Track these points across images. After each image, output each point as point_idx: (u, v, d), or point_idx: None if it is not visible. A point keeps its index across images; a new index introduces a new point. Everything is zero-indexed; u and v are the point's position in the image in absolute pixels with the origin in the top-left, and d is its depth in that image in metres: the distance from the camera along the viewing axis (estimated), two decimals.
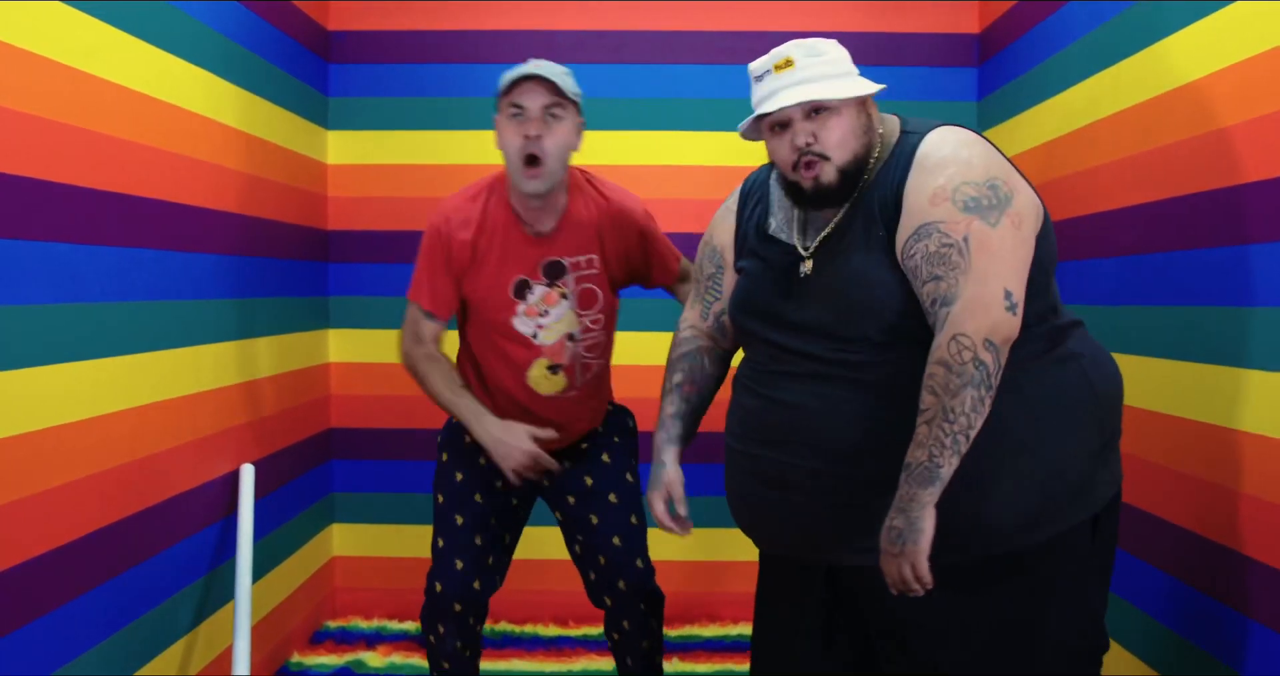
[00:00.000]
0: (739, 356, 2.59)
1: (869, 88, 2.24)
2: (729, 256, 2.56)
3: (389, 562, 4.63)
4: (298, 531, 4.17)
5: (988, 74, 4.41)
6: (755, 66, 2.30)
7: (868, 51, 4.46)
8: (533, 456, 2.88)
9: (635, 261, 3.12)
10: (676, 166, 4.52)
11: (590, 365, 3.09)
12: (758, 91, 2.29)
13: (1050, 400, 2.19)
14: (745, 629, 4.40)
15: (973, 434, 2.04)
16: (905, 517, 2.05)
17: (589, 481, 3.12)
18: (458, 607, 3.06)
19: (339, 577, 4.65)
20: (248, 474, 3.51)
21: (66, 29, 2.52)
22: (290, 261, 4.09)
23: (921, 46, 4.51)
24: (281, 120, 3.98)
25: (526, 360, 3.03)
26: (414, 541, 4.59)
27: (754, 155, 4.46)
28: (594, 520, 3.09)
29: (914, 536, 2.05)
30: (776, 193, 2.47)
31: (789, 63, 2.24)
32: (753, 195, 2.55)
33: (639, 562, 3.09)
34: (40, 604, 2.42)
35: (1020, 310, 2.10)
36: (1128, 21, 3.17)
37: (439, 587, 3.07)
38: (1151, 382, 2.98)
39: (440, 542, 3.12)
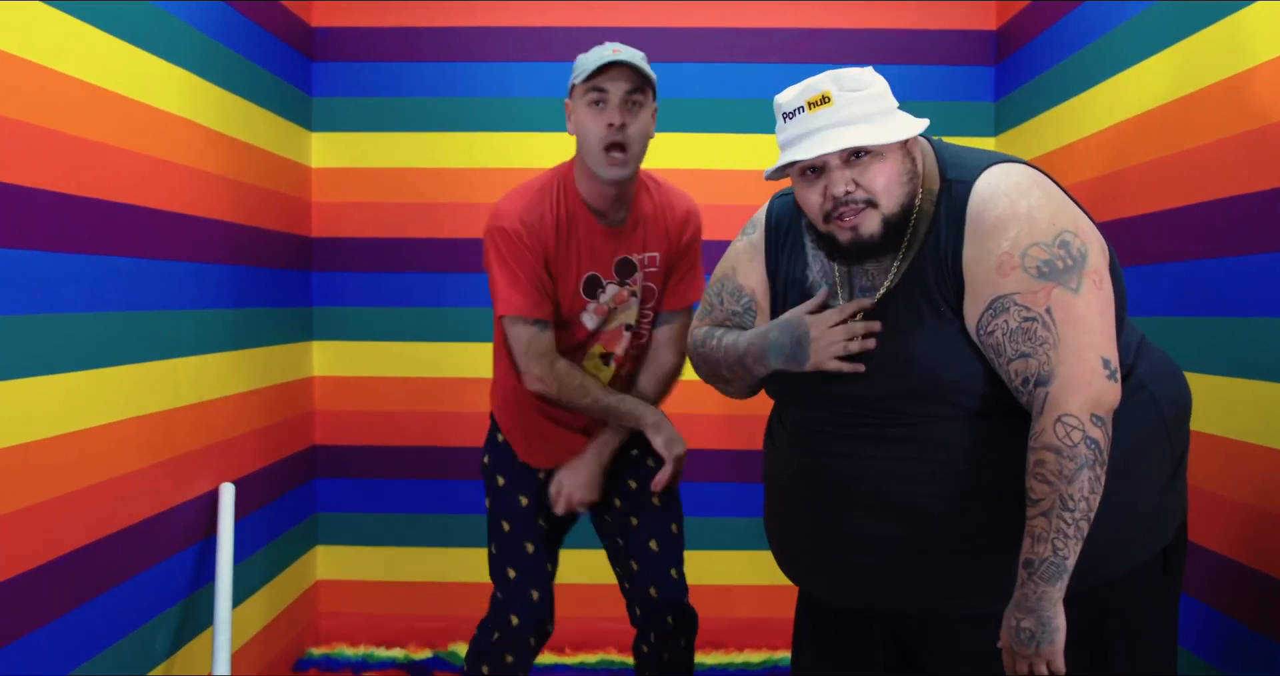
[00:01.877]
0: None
1: (915, 126, 2.11)
2: (761, 300, 2.41)
3: (376, 586, 4.61)
4: (280, 554, 4.15)
5: (1005, 73, 4.40)
6: (783, 101, 2.14)
7: (878, 49, 4.46)
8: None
9: (671, 270, 3.11)
10: (673, 171, 4.49)
11: (630, 359, 3.14)
12: (787, 130, 2.13)
13: (1120, 436, 2.08)
14: (751, 657, 4.38)
15: (1093, 515, 1.97)
16: (1036, 619, 1.98)
17: (633, 485, 3.16)
18: (533, 642, 3.10)
19: (323, 602, 4.63)
20: (227, 493, 3.49)
21: (36, 25, 2.51)
22: (272, 270, 4.08)
23: (935, 44, 4.50)
24: (263, 121, 3.97)
25: (582, 350, 3.06)
26: (402, 564, 4.58)
27: (758, 159, 4.45)
28: (634, 521, 3.14)
29: (1050, 636, 1.98)
30: (809, 239, 2.34)
31: (825, 99, 2.08)
32: (783, 236, 2.40)
33: (674, 572, 3.11)
34: (6, 631, 2.40)
35: (1119, 373, 2.03)
36: (1153, 17, 3.17)
37: (515, 621, 3.08)
38: None
39: (512, 573, 3.11)
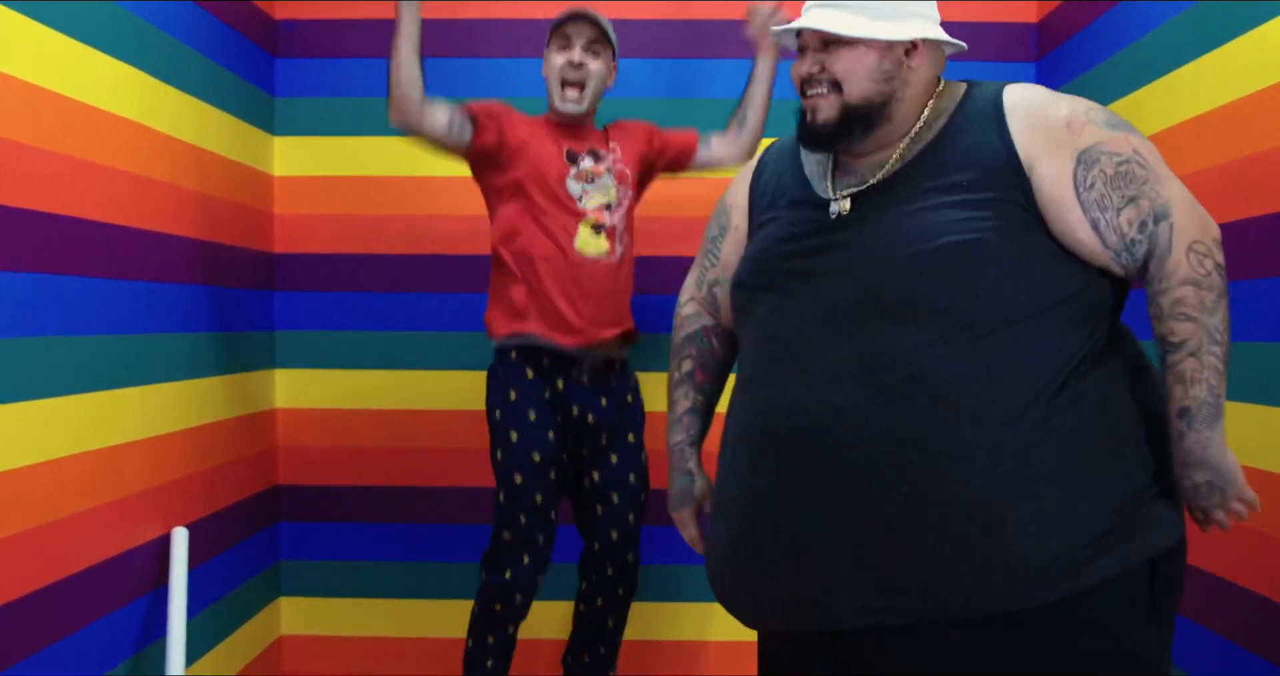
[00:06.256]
0: None
1: (901, 32, 2.26)
2: (737, 218, 2.60)
3: (346, 642, 4.61)
4: (239, 606, 4.14)
5: (1047, 70, 4.41)
6: None
7: None
8: None
9: (649, 151, 3.99)
10: (677, 179, 4.50)
11: (623, 238, 3.86)
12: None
13: (1115, 410, 2.15)
14: None
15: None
16: (1209, 469, 2.10)
17: (614, 459, 3.88)
18: (539, 579, 3.76)
19: (287, 660, 4.63)
20: (180, 538, 3.48)
21: None
22: (230, 289, 4.08)
23: (970, 37, 4.47)
24: (220, 124, 3.98)
25: (574, 221, 3.76)
26: (375, 617, 4.57)
27: None
28: (615, 498, 3.85)
29: (1228, 478, 2.11)
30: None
31: None
32: (780, 153, 2.57)
33: (634, 550, 3.90)
34: None
35: None
36: (1210, 10, 3.17)
37: (526, 560, 3.72)
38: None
39: (522, 519, 3.72)
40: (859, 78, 2.26)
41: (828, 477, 2.14)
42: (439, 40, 4.51)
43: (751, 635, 4.31)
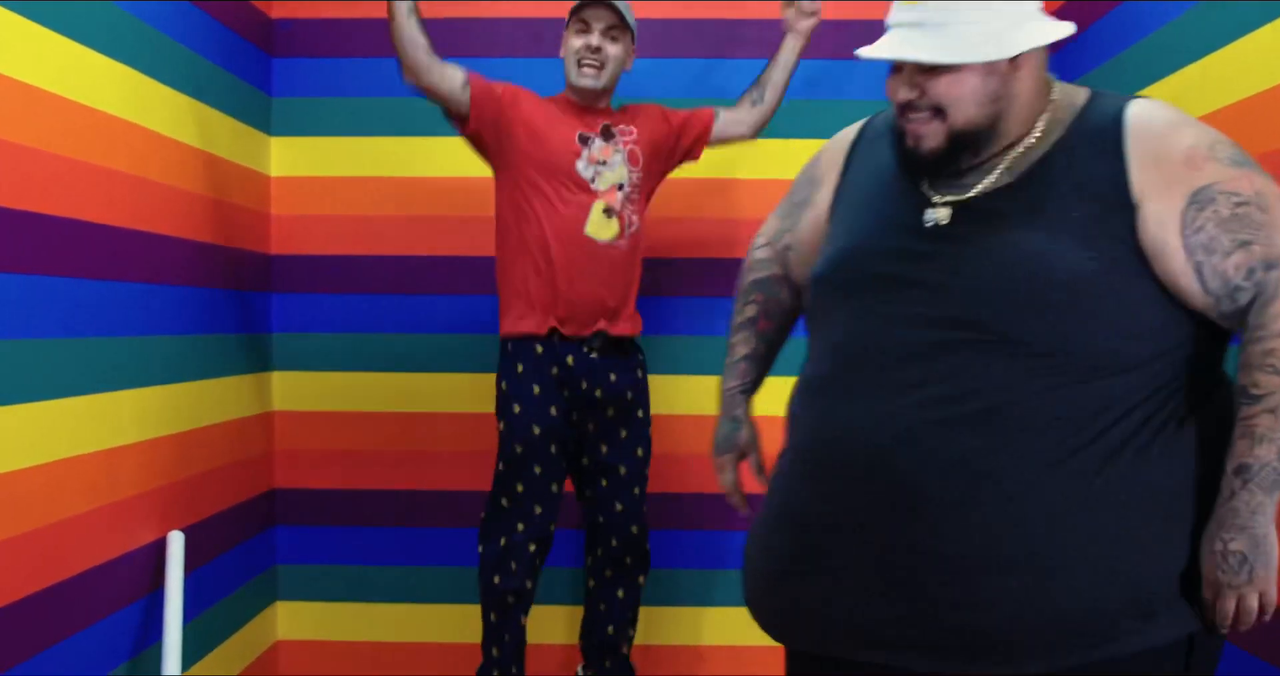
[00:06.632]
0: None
1: (1003, 49, 2.06)
2: (822, 193, 2.45)
3: (343, 647, 4.61)
4: (235, 610, 4.14)
5: (1051, 69, 4.37)
6: None
7: None
8: None
9: (665, 131, 4.07)
10: (689, 179, 4.49)
11: (633, 221, 3.96)
12: (889, 15, 2.13)
13: (1198, 475, 2.04)
14: None
15: None
16: (1249, 538, 1.95)
17: (623, 433, 4.01)
18: (533, 548, 3.86)
19: (284, 665, 4.62)
20: (176, 543, 3.48)
21: None
22: (226, 291, 4.08)
23: None
24: (216, 124, 3.97)
25: (586, 205, 3.88)
26: (372, 622, 4.56)
27: (772, 169, 4.43)
28: (622, 470, 3.99)
29: (1263, 559, 1.95)
30: None
31: None
32: (878, 132, 2.40)
33: (639, 522, 4.02)
34: None
35: None
36: (1216, 9, 3.17)
37: (521, 527, 3.83)
38: None
39: (520, 487, 3.84)
40: (964, 103, 2.08)
41: (881, 498, 2.05)
42: (440, 40, 4.50)
43: (749, 640, 4.30)
